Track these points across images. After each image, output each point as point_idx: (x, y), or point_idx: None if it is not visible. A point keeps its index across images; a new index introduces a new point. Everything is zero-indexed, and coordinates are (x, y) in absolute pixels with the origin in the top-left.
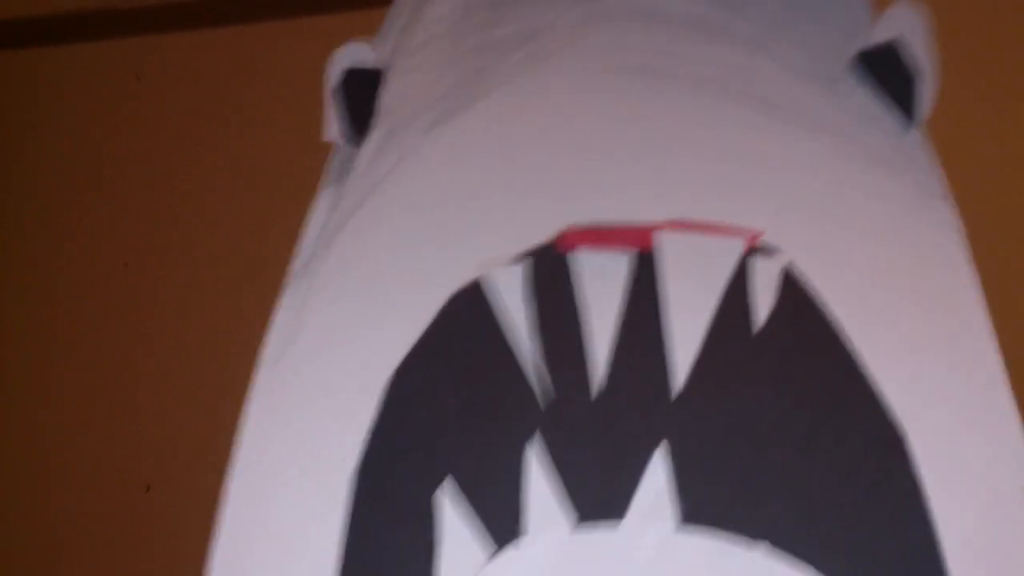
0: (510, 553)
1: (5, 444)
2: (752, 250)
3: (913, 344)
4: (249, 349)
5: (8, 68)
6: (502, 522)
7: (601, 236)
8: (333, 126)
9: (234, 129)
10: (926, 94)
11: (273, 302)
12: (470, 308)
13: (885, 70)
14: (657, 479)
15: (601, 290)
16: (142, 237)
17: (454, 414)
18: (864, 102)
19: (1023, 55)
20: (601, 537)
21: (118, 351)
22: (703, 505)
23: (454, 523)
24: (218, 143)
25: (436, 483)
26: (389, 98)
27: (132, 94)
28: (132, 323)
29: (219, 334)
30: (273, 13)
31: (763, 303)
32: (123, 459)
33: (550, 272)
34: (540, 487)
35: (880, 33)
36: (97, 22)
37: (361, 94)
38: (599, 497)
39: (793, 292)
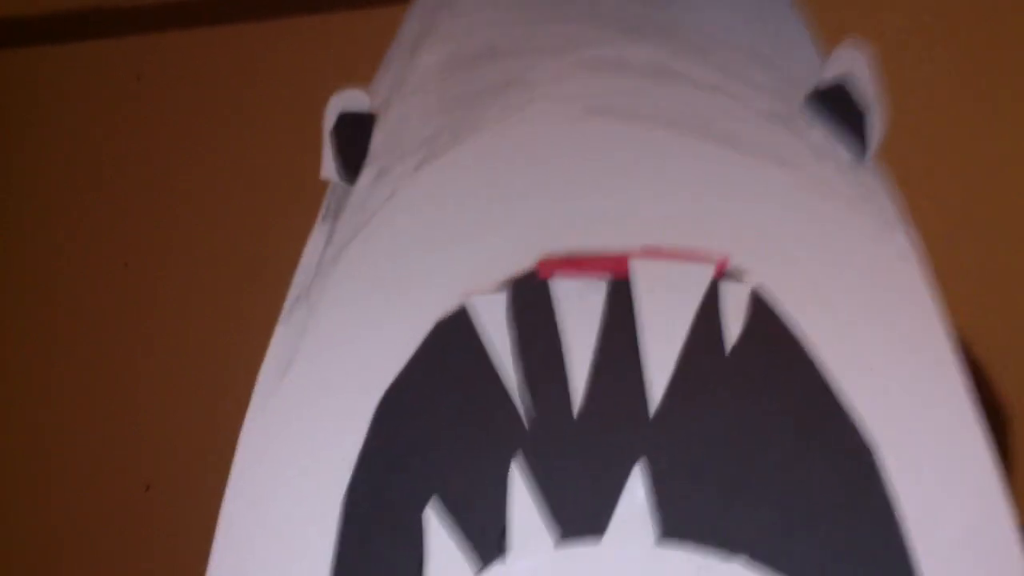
0: (496, 569)
1: (5, 444)
2: (721, 274)
3: (878, 365)
4: (249, 349)
5: (7, 67)
6: (487, 540)
7: (577, 264)
8: (329, 165)
9: (235, 129)
10: (877, 128)
11: (274, 302)
12: (456, 333)
13: (836, 107)
14: (636, 496)
15: (580, 314)
16: (142, 237)
17: (441, 435)
18: (819, 137)
19: (1023, 55)
20: (583, 553)
21: (118, 351)
22: (681, 520)
23: (441, 542)
24: (219, 143)
25: (424, 502)
26: (381, 141)
27: (132, 94)
28: (132, 323)
29: (220, 334)
30: (274, 12)
31: (734, 323)
32: (123, 458)
33: (531, 298)
34: (523, 505)
35: (828, 72)
36: (97, 21)
37: (355, 137)
38: (580, 514)
39: (763, 312)
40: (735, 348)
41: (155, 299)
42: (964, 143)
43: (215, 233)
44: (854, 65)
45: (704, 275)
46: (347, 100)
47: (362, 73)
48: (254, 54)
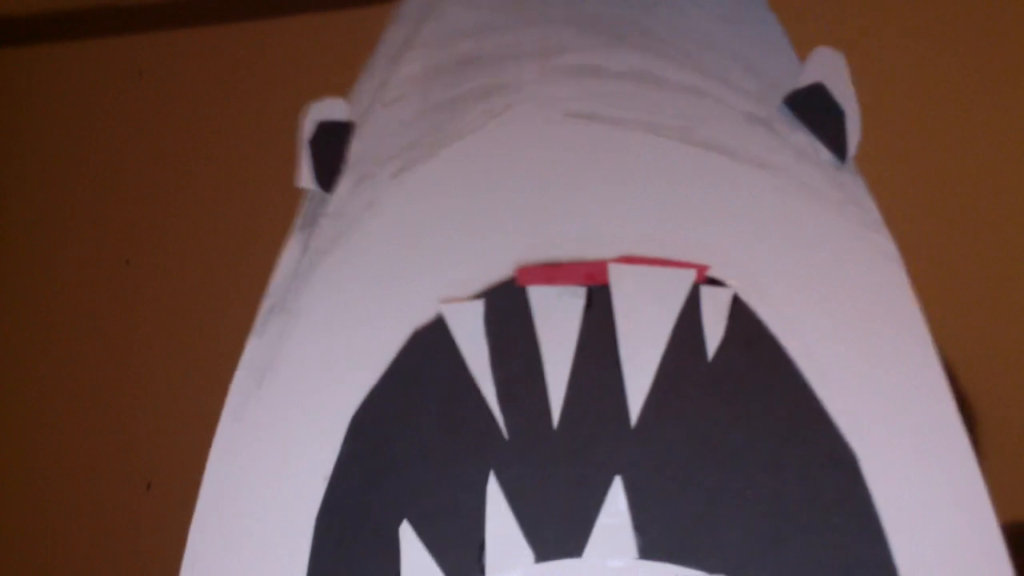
0: None
1: (5, 442)
2: (703, 280)
3: (859, 372)
4: None
5: (8, 65)
6: (461, 562)
7: (554, 272)
8: (306, 174)
9: (237, 126)
10: (852, 132)
11: None
12: (433, 343)
13: (812, 111)
14: (614, 515)
15: (558, 323)
16: (144, 235)
17: (417, 449)
18: (799, 141)
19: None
20: (563, 568)
21: (120, 348)
22: (659, 540)
23: (414, 564)
24: (221, 140)
25: (399, 519)
26: (359, 149)
27: (134, 91)
28: (134, 320)
29: (221, 332)
30: (276, 10)
31: (716, 331)
32: (123, 456)
33: (509, 305)
34: (498, 525)
35: (806, 75)
36: (98, 18)
37: (333, 145)
38: (556, 537)
39: (744, 318)
40: (716, 356)
41: (157, 297)
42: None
43: (217, 231)
44: (831, 67)
45: (685, 280)
46: (325, 109)
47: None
48: (256, 52)
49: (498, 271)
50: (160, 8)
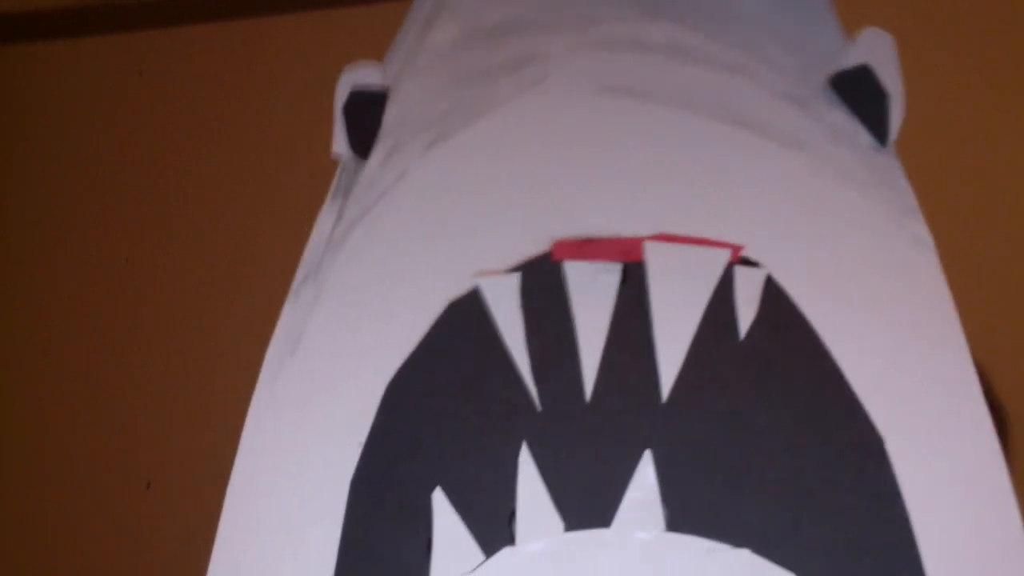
0: (505, 552)
1: (4, 441)
2: (737, 260)
3: (889, 357)
4: (251, 346)
5: (8, 63)
6: (492, 530)
7: (589, 248)
8: (340, 141)
9: (237, 125)
10: (895, 116)
11: (275, 298)
12: (468, 314)
13: (855, 93)
14: (642, 489)
15: (593, 298)
16: (144, 233)
17: (450, 420)
18: (838, 123)
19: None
20: (593, 536)
21: (119, 347)
22: (686, 513)
23: (449, 526)
24: (221, 139)
25: (432, 487)
26: (392, 118)
27: (134, 89)
28: (133, 319)
29: (221, 330)
30: (275, 8)
31: (748, 310)
32: (123, 456)
33: (544, 280)
34: (529, 495)
35: (850, 58)
36: (99, 16)
37: (367, 113)
38: (585, 508)
39: (777, 299)
40: (747, 336)
41: (156, 295)
42: (966, 140)
43: (217, 229)
44: (880, 50)
45: (719, 260)
46: (360, 75)
47: None
48: (255, 50)
49: (533, 245)
50: (160, 6)
